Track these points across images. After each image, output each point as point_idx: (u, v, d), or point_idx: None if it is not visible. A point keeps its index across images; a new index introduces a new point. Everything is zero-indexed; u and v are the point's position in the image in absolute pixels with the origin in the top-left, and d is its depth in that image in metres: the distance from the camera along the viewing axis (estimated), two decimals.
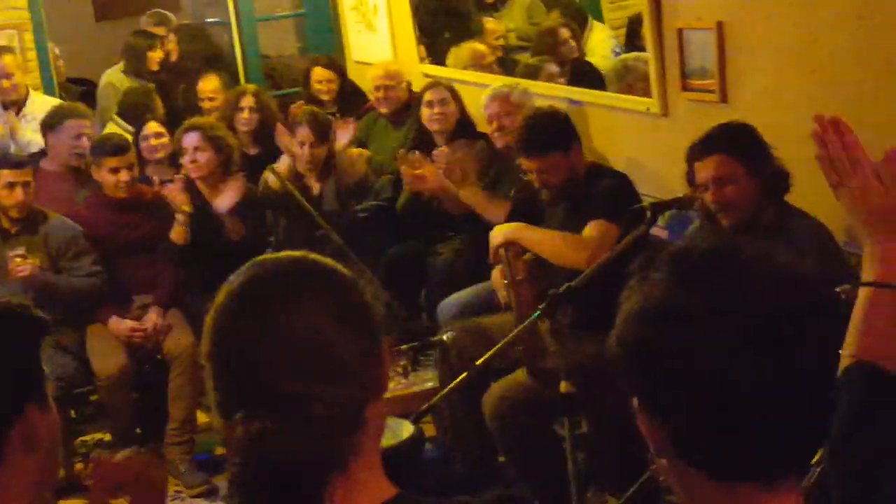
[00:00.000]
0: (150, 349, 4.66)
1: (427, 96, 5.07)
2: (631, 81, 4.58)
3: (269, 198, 4.99)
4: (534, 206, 4.02)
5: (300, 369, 1.27)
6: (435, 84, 5.17)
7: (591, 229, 3.70)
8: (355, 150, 5.39)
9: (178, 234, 4.76)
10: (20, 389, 1.44)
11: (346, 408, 1.28)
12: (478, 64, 5.54)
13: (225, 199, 4.86)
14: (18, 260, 4.38)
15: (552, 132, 3.87)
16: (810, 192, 3.14)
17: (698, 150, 3.22)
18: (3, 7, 6.09)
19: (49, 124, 5.19)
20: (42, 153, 5.31)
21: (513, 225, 3.86)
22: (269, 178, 4.94)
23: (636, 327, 1.18)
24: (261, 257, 1.38)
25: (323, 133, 5.01)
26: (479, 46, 5.67)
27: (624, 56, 5.10)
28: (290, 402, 1.26)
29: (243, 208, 4.90)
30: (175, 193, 4.76)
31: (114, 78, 6.42)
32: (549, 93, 4.81)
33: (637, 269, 1.23)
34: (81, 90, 7.09)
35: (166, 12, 7.17)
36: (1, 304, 1.51)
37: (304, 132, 4.97)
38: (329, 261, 1.36)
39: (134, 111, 5.78)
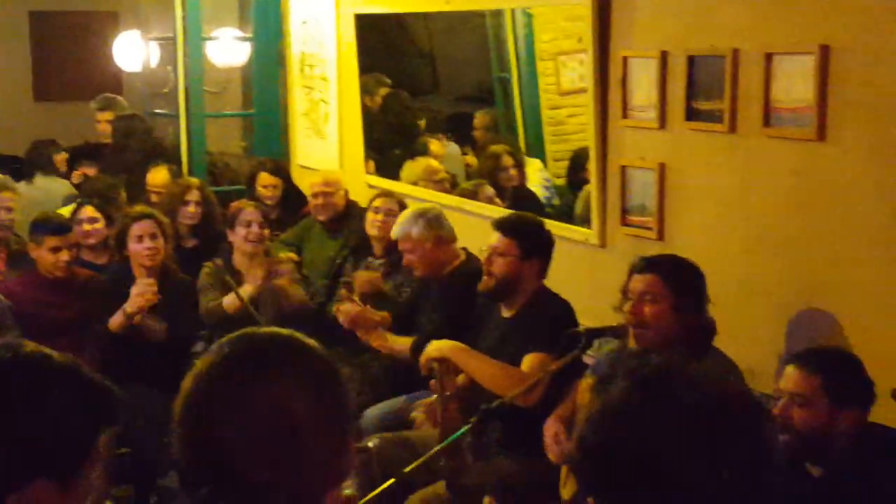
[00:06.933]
0: None
1: (377, 203, 5.11)
2: None
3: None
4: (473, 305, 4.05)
5: (269, 457, 1.24)
6: (389, 193, 5.22)
7: (531, 363, 3.61)
8: (284, 255, 5.36)
9: (118, 324, 4.69)
10: (28, 458, 1.35)
11: (309, 496, 1.27)
12: (430, 179, 5.62)
13: (134, 303, 4.67)
14: None
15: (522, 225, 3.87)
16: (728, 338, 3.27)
17: (641, 264, 3.26)
18: None
19: None
20: None
21: (452, 344, 3.72)
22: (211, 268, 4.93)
23: (598, 429, 1.24)
24: (250, 329, 1.34)
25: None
26: (434, 163, 5.77)
27: None
28: (257, 492, 1.24)
29: (174, 304, 4.84)
30: (145, 287, 4.68)
31: None
32: (488, 213, 4.91)
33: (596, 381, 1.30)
34: (13, 167, 7.02)
35: (115, 97, 7.19)
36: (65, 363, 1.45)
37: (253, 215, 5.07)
38: (312, 342, 1.34)
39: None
